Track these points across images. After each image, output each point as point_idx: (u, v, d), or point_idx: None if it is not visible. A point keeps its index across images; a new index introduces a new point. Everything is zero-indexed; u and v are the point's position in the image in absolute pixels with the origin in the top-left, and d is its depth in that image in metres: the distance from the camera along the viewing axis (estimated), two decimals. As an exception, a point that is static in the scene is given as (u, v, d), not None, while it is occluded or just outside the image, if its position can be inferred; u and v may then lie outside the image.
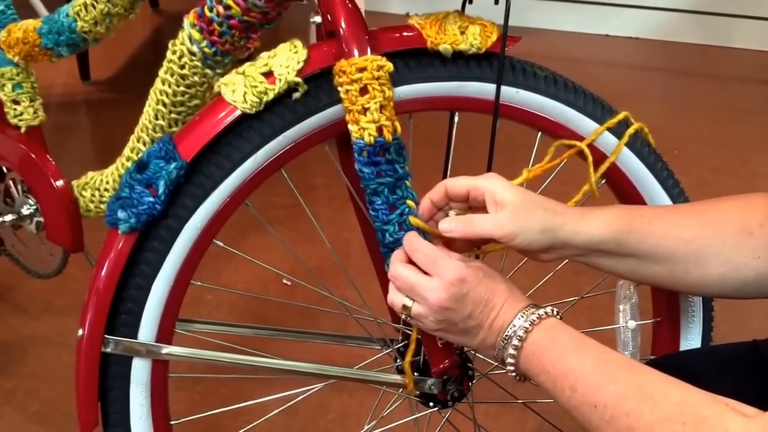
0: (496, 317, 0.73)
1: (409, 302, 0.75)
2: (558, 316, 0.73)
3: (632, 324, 0.95)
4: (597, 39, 3.09)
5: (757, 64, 2.94)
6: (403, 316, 0.77)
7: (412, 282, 0.74)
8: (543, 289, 1.01)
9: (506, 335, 0.71)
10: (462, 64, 0.83)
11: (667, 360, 0.88)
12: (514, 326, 0.71)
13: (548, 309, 0.72)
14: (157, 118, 0.91)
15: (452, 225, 0.75)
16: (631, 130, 0.88)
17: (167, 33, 2.88)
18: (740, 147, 2.35)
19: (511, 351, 0.71)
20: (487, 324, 0.73)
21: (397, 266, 0.76)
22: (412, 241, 0.77)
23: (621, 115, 0.88)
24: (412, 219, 0.80)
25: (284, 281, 1.63)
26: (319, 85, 0.80)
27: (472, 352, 0.96)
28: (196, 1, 0.86)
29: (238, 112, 0.78)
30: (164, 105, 0.89)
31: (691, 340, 0.98)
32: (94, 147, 2.26)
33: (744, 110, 2.60)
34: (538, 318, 0.71)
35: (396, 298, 0.76)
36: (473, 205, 0.78)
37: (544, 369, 0.69)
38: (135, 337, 0.81)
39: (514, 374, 0.73)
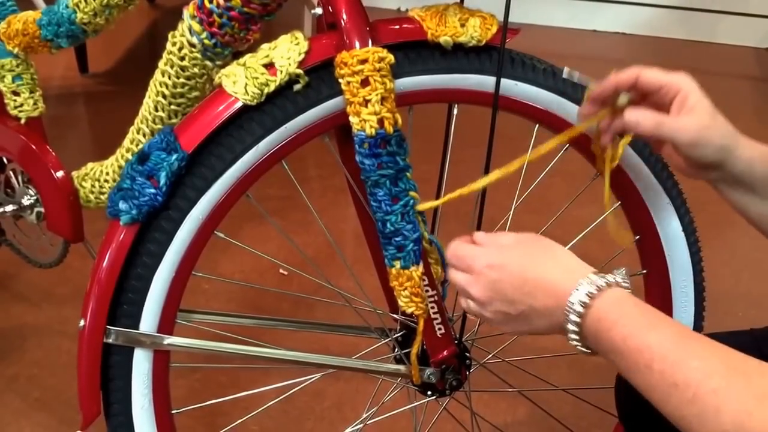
0: (551, 292, 0.65)
1: (464, 303, 0.72)
2: (625, 284, 0.64)
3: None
4: (585, 34, 3.08)
5: (740, 59, 2.94)
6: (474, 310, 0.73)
7: (458, 283, 0.72)
8: None
9: (566, 309, 0.64)
10: (462, 57, 0.81)
11: None
12: (571, 302, 0.63)
13: (613, 277, 0.64)
14: (157, 110, 0.88)
15: (640, 118, 0.72)
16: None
17: (164, 26, 2.84)
18: None
19: (572, 327, 0.63)
20: (540, 303, 0.66)
21: (448, 272, 0.74)
22: (451, 247, 0.74)
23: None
24: (418, 206, 0.79)
25: (281, 271, 1.61)
26: (320, 77, 0.78)
27: (470, 341, 0.95)
28: (192, -7, 0.84)
29: (239, 104, 0.76)
30: (164, 96, 0.87)
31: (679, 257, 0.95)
32: (93, 138, 2.23)
33: (727, 104, 2.58)
34: (597, 289, 0.62)
35: (462, 302, 0.73)
36: (654, 100, 0.74)
37: (614, 345, 0.61)
38: (137, 327, 0.79)
39: (582, 349, 0.65)
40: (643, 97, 0.75)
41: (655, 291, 0.96)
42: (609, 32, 3.09)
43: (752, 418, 0.51)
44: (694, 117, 0.72)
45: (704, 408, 0.53)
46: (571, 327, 0.64)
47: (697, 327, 0.98)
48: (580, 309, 0.63)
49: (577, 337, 0.64)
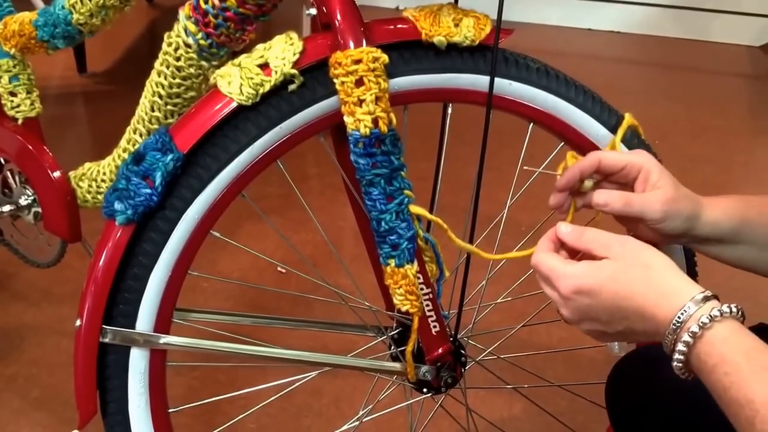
0: (648, 319, 0.60)
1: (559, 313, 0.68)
2: (734, 311, 0.57)
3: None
4: (580, 33, 3.08)
5: (733, 57, 2.94)
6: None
7: (552, 297, 0.68)
8: (532, 277, 0.99)
9: (665, 340, 0.59)
10: (456, 56, 0.81)
11: None
12: (668, 334, 0.58)
13: (718, 307, 0.57)
14: (153, 110, 0.88)
15: (608, 199, 0.72)
16: (624, 125, 0.86)
17: (162, 26, 2.83)
18: (717, 136, 2.35)
19: (676, 356, 0.58)
20: (639, 327, 0.62)
21: (543, 253, 0.69)
22: (534, 258, 0.69)
23: (626, 121, 0.86)
24: (412, 207, 0.79)
25: (279, 269, 1.60)
26: (314, 77, 0.77)
27: (466, 338, 0.95)
28: (190, -7, 0.83)
29: (234, 104, 0.75)
30: (160, 97, 0.87)
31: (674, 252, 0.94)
32: (92, 138, 2.23)
33: (721, 101, 2.59)
34: (720, 314, 0.56)
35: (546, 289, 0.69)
36: (616, 179, 0.76)
37: (715, 391, 0.56)
38: (133, 327, 0.79)
39: (682, 370, 0.60)
40: (606, 177, 0.76)
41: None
42: (603, 31, 3.08)
43: None
44: (659, 192, 0.73)
45: None
46: (675, 356, 0.59)
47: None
48: (681, 348, 0.58)
49: (682, 369, 0.59)
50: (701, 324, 0.56)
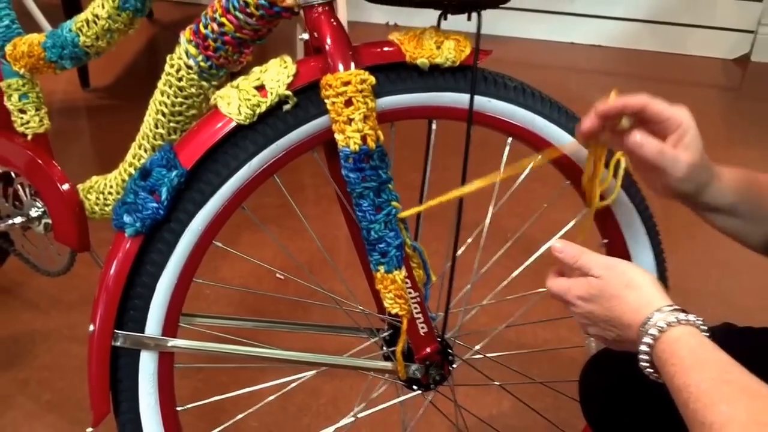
0: (630, 327, 0.69)
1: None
2: (698, 325, 0.66)
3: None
4: (563, 47, 3.11)
5: (708, 69, 2.98)
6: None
7: (572, 313, 0.76)
8: (517, 281, 1.03)
9: (641, 330, 0.67)
10: (438, 76, 0.84)
11: None
12: (640, 337, 0.67)
13: (684, 315, 0.66)
14: (157, 127, 0.91)
15: (645, 141, 0.75)
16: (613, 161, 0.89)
17: (162, 42, 2.87)
18: None
19: (642, 357, 0.67)
20: (626, 335, 0.70)
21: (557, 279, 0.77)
22: (547, 287, 0.78)
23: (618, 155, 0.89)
24: (401, 213, 0.83)
25: (278, 275, 1.63)
26: (307, 97, 0.81)
27: (453, 339, 0.98)
28: (188, 11, 0.87)
29: (233, 124, 0.79)
30: (163, 115, 0.90)
31: (643, 262, 0.98)
32: (95, 151, 2.25)
33: (695, 112, 2.62)
34: (662, 328, 0.65)
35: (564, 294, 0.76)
36: (651, 128, 0.76)
37: (666, 380, 0.64)
38: (142, 331, 0.82)
39: (651, 372, 0.67)
40: (642, 122, 0.77)
41: (606, 217, 0.98)
42: (586, 44, 3.12)
43: None
44: (689, 154, 0.75)
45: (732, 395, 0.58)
46: (640, 356, 0.67)
47: (657, 252, 0.99)
48: (644, 348, 0.66)
49: (650, 369, 0.67)
50: (659, 328, 0.65)
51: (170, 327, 0.83)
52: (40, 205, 1.12)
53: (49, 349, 1.46)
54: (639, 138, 0.75)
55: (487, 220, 0.95)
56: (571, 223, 0.94)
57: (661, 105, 0.76)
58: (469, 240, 0.97)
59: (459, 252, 0.90)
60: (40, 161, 1.08)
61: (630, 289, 0.70)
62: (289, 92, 0.79)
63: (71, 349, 1.46)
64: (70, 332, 1.50)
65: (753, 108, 2.70)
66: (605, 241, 0.98)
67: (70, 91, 2.53)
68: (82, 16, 0.98)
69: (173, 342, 0.83)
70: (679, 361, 0.63)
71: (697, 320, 0.66)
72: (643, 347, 0.66)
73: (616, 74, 2.97)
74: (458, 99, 0.86)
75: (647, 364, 0.67)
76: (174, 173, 0.78)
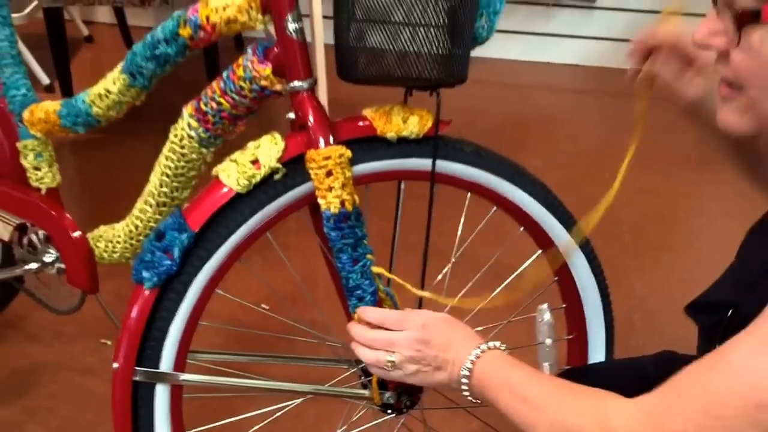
0: (456, 355, 0.89)
1: (391, 356, 0.92)
2: (502, 348, 0.90)
3: (549, 341, 1.15)
4: (539, 66, 3.24)
5: (683, 87, 3.17)
6: (385, 371, 0.94)
7: (389, 338, 0.93)
8: (483, 313, 1.19)
9: (463, 367, 0.88)
10: (405, 145, 1.03)
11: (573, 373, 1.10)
12: (467, 359, 0.88)
13: (493, 343, 0.89)
14: (161, 186, 1.09)
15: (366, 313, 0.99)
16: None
17: (155, 83, 2.94)
18: (664, 167, 2.48)
19: (464, 380, 0.88)
20: (450, 362, 0.90)
21: (368, 333, 0.95)
22: (376, 312, 0.98)
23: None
24: (374, 268, 1.02)
25: (263, 305, 1.80)
26: (294, 168, 0.99)
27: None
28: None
29: (233, 192, 0.98)
30: (167, 176, 1.08)
31: (597, 353, 1.21)
32: (81, 185, 2.38)
33: (669, 131, 2.79)
34: (481, 351, 0.88)
35: (379, 356, 0.93)
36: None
37: (489, 386, 0.85)
38: (157, 367, 1.01)
39: (469, 396, 0.89)
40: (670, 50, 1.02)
41: (574, 313, 1.21)
42: (562, 64, 3.29)
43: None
44: (708, 82, 0.98)
45: (532, 408, 0.81)
46: (462, 388, 0.89)
47: (609, 346, 1.22)
48: (464, 381, 0.88)
49: (469, 395, 0.89)
50: (471, 360, 0.88)
51: (180, 363, 1.02)
52: (53, 251, 1.30)
53: (53, 380, 1.62)
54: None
55: (452, 258, 1.15)
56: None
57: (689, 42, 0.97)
58: (439, 277, 1.14)
59: (429, 290, 1.09)
60: (53, 212, 1.26)
61: (451, 336, 0.92)
62: (279, 165, 0.98)
63: (74, 379, 1.62)
64: (71, 363, 1.66)
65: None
66: (556, 278, 1.19)
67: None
68: (95, 89, 1.15)
69: (184, 376, 1.02)
70: (498, 367, 0.87)
71: (495, 344, 0.89)
72: (463, 379, 0.88)
73: (593, 92, 3.12)
74: (422, 163, 1.05)
75: (468, 392, 0.89)
76: (185, 235, 0.97)
